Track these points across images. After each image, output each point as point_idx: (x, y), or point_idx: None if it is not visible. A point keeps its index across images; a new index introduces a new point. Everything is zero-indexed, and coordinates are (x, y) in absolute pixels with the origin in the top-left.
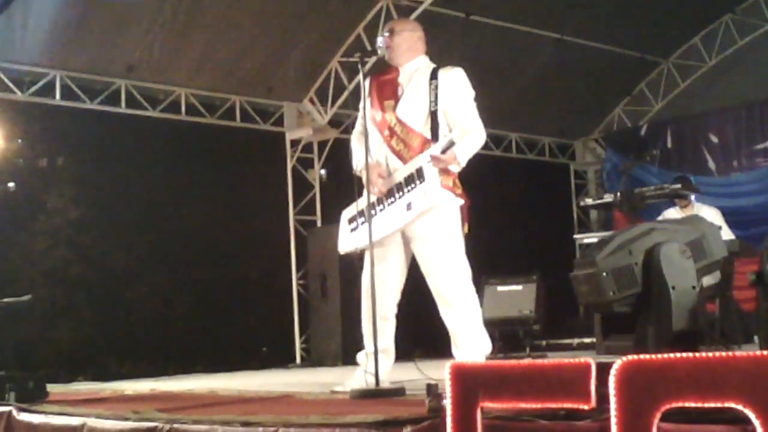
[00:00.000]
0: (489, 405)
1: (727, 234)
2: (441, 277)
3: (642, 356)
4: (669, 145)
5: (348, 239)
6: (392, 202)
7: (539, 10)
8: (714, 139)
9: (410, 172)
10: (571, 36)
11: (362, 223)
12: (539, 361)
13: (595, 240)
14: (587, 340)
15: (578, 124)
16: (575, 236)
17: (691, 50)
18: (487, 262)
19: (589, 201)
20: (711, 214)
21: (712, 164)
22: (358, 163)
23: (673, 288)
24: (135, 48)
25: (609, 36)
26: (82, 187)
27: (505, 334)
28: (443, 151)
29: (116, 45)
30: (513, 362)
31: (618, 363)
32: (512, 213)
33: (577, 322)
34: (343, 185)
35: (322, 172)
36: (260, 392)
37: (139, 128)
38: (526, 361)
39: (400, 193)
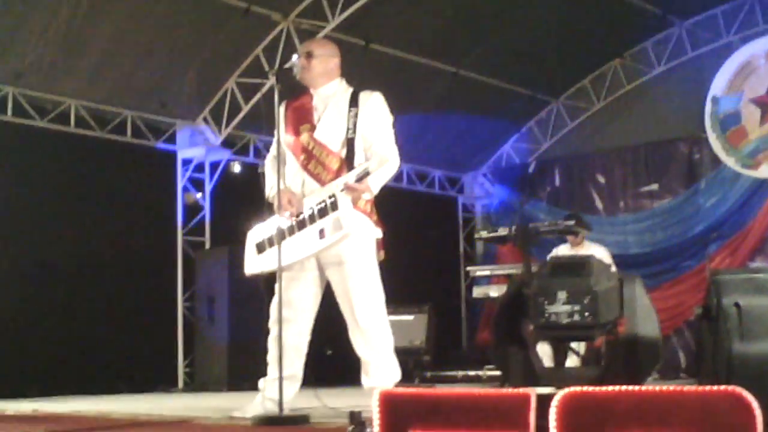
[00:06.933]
0: None
1: None
2: (357, 304)
3: (585, 388)
4: (557, 183)
5: (255, 261)
6: (304, 227)
7: (437, 42)
8: (601, 179)
9: (323, 199)
10: (466, 70)
11: (271, 246)
12: (476, 390)
13: (487, 273)
14: (471, 373)
15: (468, 158)
16: (468, 268)
17: (581, 92)
18: None
19: (484, 234)
20: (600, 252)
21: (599, 204)
22: (271, 189)
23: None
24: (25, 55)
25: (503, 73)
26: None
27: None
28: (358, 180)
29: (5, 51)
30: (447, 391)
31: (560, 395)
32: (400, 244)
33: (461, 353)
34: (234, 207)
35: (198, 195)
36: (153, 416)
37: (24, 138)
38: (462, 390)
39: (313, 219)
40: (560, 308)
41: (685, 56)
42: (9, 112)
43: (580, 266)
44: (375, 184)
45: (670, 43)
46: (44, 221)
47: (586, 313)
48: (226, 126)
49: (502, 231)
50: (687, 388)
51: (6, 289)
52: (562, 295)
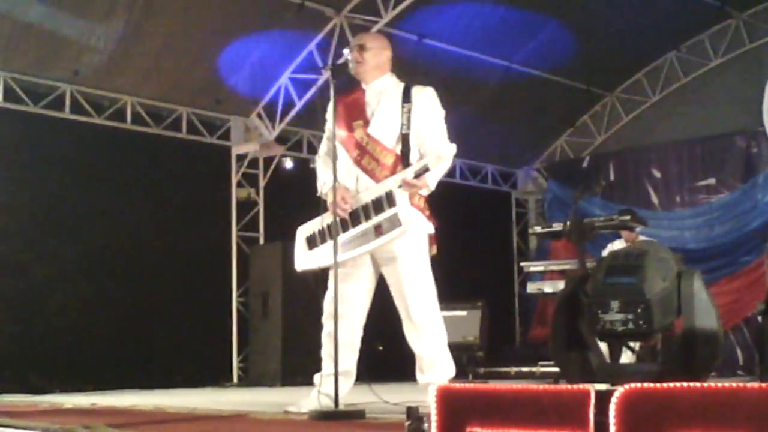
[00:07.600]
0: (477, 430)
1: None
2: (411, 299)
3: (645, 385)
4: (612, 178)
5: (306, 257)
6: (359, 224)
7: (490, 37)
8: (656, 173)
9: (379, 194)
10: (519, 65)
11: (323, 242)
12: (534, 385)
13: (541, 268)
14: (524, 369)
15: (521, 153)
16: (522, 264)
17: (636, 85)
18: None
19: (538, 229)
20: None
21: (654, 198)
22: (324, 185)
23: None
24: (82, 52)
25: (557, 67)
26: (11, 194)
27: None
28: (416, 176)
29: (62, 48)
30: (505, 386)
31: (620, 391)
32: (453, 238)
33: (514, 350)
34: (286, 203)
35: (252, 191)
36: (211, 410)
37: (81, 135)
38: (520, 386)
39: (368, 215)
40: (614, 317)
41: (742, 48)
42: (66, 109)
43: (634, 268)
44: (432, 181)
45: (727, 35)
46: (101, 217)
47: (641, 321)
48: (280, 122)
49: (557, 226)
50: (750, 385)
51: (62, 285)
52: (615, 305)
